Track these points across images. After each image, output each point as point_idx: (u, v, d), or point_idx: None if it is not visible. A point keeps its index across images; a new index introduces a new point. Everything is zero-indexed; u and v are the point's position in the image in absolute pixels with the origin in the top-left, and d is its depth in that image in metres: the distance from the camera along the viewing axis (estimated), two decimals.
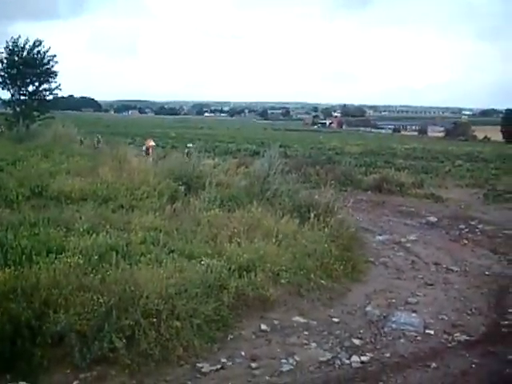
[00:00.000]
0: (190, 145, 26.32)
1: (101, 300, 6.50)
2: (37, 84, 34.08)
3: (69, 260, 7.31)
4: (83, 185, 13.13)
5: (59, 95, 36.90)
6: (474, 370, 6.91)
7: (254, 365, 6.70)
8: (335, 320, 8.40)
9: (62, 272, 6.94)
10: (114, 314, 6.43)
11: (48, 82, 34.21)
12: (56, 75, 34.31)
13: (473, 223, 16.64)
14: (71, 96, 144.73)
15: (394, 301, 9.49)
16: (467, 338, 8.01)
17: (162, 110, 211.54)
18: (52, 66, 34.19)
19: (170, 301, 6.84)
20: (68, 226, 9.66)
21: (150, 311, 6.61)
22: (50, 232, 8.93)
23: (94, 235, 8.86)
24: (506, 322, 8.74)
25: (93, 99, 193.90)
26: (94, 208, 11.36)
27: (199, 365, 6.56)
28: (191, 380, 6.26)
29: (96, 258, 7.68)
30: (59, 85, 34.68)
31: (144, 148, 22.78)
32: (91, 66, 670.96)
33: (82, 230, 9.33)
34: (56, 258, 7.45)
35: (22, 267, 7.02)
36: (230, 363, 6.71)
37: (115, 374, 6.16)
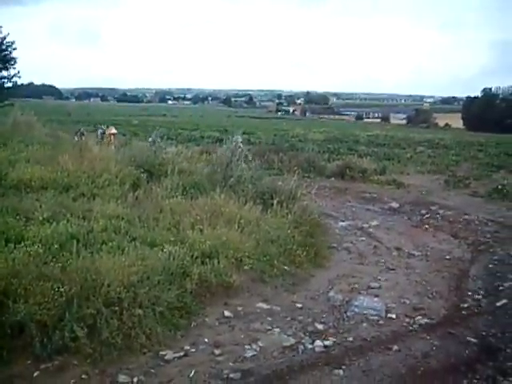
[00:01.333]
0: (153, 133, 25.91)
1: (61, 289, 6.40)
2: None
3: (28, 249, 7.15)
4: (43, 173, 12.87)
5: (18, 82, 36.09)
6: (434, 352, 7.02)
7: (217, 351, 6.69)
8: (298, 305, 8.43)
9: (21, 261, 6.79)
10: (75, 303, 6.35)
11: (6, 69, 33.41)
12: (15, 62, 33.54)
13: (434, 208, 16.88)
14: (31, 83, 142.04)
15: (356, 286, 9.58)
16: (428, 321, 8.14)
17: (125, 97, 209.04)
18: (10, 53, 33.38)
19: (132, 289, 6.77)
20: (27, 214, 9.45)
21: (111, 300, 6.55)
22: (8, 221, 8.75)
23: (55, 224, 8.70)
24: (466, 305, 8.90)
25: (54, 87, 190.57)
26: (55, 196, 11.16)
27: (162, 352, 6.53)
28: (154, 368, 6.22)
29: (56, 246, 7.54)
30: (18, 72, 33.91)
31: (99, 133, 22.33)
32: (53, 53, 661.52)
33: (41, 218, 9.14)
34: (15, 247, 7.27)
35: None
36: (194, 350, 6.68)
37: (77, 364, 6.08)
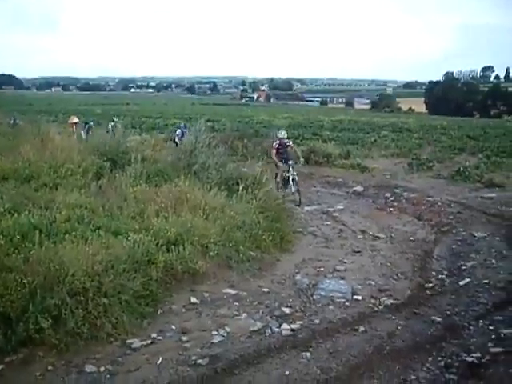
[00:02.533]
0: (116, 119, 25.63)
1: (24, 280, 6.31)
2: None
3: None
4: (4, 164, 12.67)
5: None
6: (399, 331, 7.13)
7: (184, 338, 6.70)
8: (265, 290, 8.49)
9: None
10: (38, 294, 6.26)
11: None
12: None
13: (398, 191, 17.10)
14: None
15: (322, 269, 9.67)
16: (393, 301, 8.27)
17: (87, 86, 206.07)
18: None
19: (97, 278, 6.71)
20: None
21: (76, 289, 6.48)
22: None
23: (16, 215, 8.58)
24: (430, 285, 9.07)
25: (14, 76, 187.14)
26: (16, 187, 11.00)
27: (129, 341, 6.50)
28: (122, 356, 6.20)
29: (18, 237, 7.40)
30: None
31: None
32: (12, 42, 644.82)
33: (2, 209, 9.01)
34: None
35: None
36: (161, 337, 6.67)
37: (43, 355, 6.03)
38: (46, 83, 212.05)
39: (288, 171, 15.18)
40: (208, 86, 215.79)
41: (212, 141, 14.24)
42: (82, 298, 6.44)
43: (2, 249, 6.93)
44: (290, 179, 15.13)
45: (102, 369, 5.90)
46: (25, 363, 5.88)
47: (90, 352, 6.18)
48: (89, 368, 5.89)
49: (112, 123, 24.03)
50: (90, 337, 6.29)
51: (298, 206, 14.62)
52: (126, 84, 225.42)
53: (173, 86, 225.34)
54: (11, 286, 6.23)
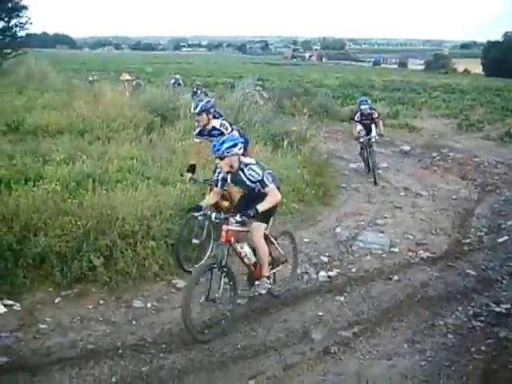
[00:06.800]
0: (177, 76, 25.95)
1: (79, 223, 6.76)
2: (6, 20, 33.26)
3: (47, 187, 7.51)
4: (59, 118, 13.25)
5: (31, 31, 36.08)
6: (433, 282, 7.39)
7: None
8: (306, 240, 8.79)
9: (40, 198, 7.15)
10: (91, 235, 6.71)
11: (18, 16, 33.38)
12: (26, 9, 33.47)
13: (444, 151, 17.07)
14: (44, 33, 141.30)
15: (362, 223, 9.92)
16: (430, 255, 8.50)
17: (139, 45, 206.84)
18: (21, 0, 33.38)
19: (146, 222, 7.13)
20: (45, 157, 9.88)
21: (126, 232, 6.92)
22: (27, 162, 9.13)
23: (71, 164, 9.09)
24: (468, 241, 9.24)
25: (67, 36, 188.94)
26: (71, 140, 11.55)
27: (174, 281, 6.93)
28: (167, 294, 6.64)
29: (73, 184, 7.92)
30: (29, 18, 33.84)
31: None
32: (63, 2, 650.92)
33: (59, 160, 9.54)
34: (34, 185, 7.65)
35: (1, 195, 7.22)
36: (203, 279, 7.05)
37: (95, 291, 6.50)
38: (99, 42, 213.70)
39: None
40: (259, 45, 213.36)
41: (258, 99, 14.44)
42: (131, 241, 6.89)
43: (58, 195, 7.39)
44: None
45: (149, 305, 6.35)
46: (79, 297, 6.36)
47: (138, 290, 6.63)
48: (137, 304, 6.34)
49: (172, 80, 24.42)
50: (138, 276, 6.76)
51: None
52: (177, 43, 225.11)
53: (224, 45, 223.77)
54: (67, 227, 6.71)
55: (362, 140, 13.46)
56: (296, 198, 10.12)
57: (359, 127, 13.55)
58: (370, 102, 14.52)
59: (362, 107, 13.60)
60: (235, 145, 5.79)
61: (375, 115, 13.68)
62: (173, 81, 24.58)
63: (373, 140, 13.32)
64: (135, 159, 9.91)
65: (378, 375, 5.11)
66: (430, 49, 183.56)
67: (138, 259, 6.83)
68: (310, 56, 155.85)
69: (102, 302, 6.34)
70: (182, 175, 8.28)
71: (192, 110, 8.01)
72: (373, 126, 13.41)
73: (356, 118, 13.78)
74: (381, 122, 13.99)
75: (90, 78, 25.73)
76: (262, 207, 5.71)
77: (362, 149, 13.77)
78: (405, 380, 5.03)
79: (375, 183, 12.87)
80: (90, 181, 7.98)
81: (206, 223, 7.25)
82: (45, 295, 6.34)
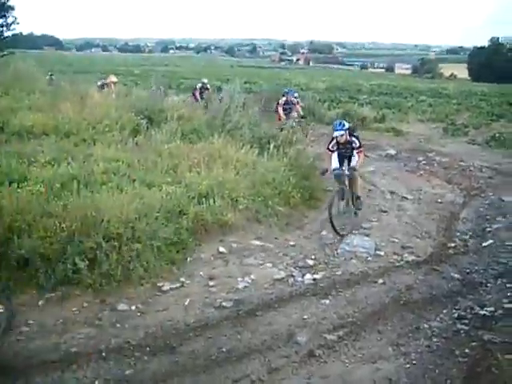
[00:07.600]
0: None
1: (63, 225, 6.73)
2: None
3: (31, 188, 7.49)
4: (45, 120, 13.12)
5: (17, 31, 35.88)
6: (417, 285, 7.40)
7: (211, 283, 7.08)
8: (291, 243, 8.80)
9: (24, 200, 7.11)
10: (76, 237, 6.68)
11: (4, 16, 33.17)
12: (13, 9, 33.29)
13: (430, 155, 17.09)
14: (31, 34, 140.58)
15: (348, 226, 9.91)
16: (415, 258, 8.51)
17: (126, 47, 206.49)
18: (7, 0, 33.19)
19: (131, 224, 7.11)
20: (30, 158, 9.78)
21: (111, 235, 6.89)
22: (12, 164, 9.06)
23: (56, 166, 9.04)
24: (453, 245, 9.24)
25: (54, 37, 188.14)
26: (56, 142, 11.45)
27: (159, 284, 6.91)
28: (152, 297, 6.62)
29: (58, 186, 7.88)
30: (16, 19, 33.67)
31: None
32: (51, 3, 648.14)
33: (43, 161, 9.47)
34: (18, 186, 7.60)
35: None
36: (189, 282, 7.06)
37: (79, 294, 6.47)
38: (86, 44, 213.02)
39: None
40: (247, 48, 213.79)
41: (247, 101, 14.42)
42: (116, 243, 6.85)
43: (43, 196, 7.36)
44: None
45: (134, 307, 6.33)
46: (63, 300, 6.32)
47: (122, 292, 6.60)
48: (121, 306, 6.33)
49: (199, 84, 23.15)
50: (122, 278, 6.72)
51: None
52: (164, 45, 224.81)
53: (212, 48, 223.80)
54: (51, 229, 6.68)
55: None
56: (282, 201, 10.09)
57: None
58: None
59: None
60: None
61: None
62: (200, 85, 22.68)
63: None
64: (121, 161, 9.87)
65: (362, 378, 5.13)
66: (417, 53, 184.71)
67: (123, 262, 6.79)
68: (298, 59, 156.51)
69: (86, 304, 6.31)
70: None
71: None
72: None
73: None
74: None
75: (47, 78, 25.50)
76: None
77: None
78: (389, 383, 5.05)
79: None
80: (74, 183, 7.92)
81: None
82: (29, 298, 6.30)
